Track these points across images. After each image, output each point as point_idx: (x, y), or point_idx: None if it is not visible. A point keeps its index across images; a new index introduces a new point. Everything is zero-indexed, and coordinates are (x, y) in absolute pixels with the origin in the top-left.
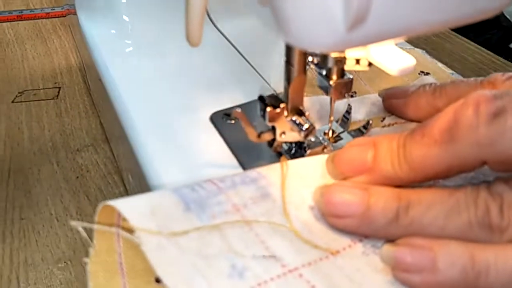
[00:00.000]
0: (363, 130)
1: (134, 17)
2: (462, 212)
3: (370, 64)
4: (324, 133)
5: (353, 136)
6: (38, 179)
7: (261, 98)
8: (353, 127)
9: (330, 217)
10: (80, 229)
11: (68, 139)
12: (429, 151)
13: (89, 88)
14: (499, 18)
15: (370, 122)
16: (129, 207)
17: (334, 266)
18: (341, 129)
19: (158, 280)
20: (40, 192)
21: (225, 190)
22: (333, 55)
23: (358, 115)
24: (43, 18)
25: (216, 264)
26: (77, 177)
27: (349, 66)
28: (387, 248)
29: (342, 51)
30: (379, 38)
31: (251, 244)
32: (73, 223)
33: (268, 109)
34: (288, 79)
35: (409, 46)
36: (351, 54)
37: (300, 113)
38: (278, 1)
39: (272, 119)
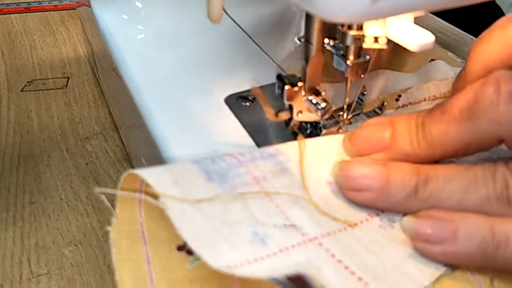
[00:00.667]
0: (378, 111)
1: (147, 3)
2: (480, 187)
3: (388, 42)
4: (339, 115)
5: (369, 117)
6: (48, 165)
7: (279, 77)
8: (368, 108)
9: (349, 190)
10: (103, 197)
11: (77, 127)
12: (449, 128)
13: (98, 79)
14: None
15: (385, 103)
16: (153, 175)
17: (352, 237)
18: (356, 111)
19: (180, 248)
20: (50, 178)
21: (245, 163)
22: (352, 33)
23: (372, 95)
24: (51, 11)
25: (239, 230)
26: (87, 163)
27: (368, 44)
28: (408, 219)
29: (361, 29)
30: (401, 10)
31: (272, 214)
32: (97, 189)
33: (287, 87)
34: (306, 58)
35: None
36: (369, 32)
37: (317, 93)
38: None
39: (289, 98)
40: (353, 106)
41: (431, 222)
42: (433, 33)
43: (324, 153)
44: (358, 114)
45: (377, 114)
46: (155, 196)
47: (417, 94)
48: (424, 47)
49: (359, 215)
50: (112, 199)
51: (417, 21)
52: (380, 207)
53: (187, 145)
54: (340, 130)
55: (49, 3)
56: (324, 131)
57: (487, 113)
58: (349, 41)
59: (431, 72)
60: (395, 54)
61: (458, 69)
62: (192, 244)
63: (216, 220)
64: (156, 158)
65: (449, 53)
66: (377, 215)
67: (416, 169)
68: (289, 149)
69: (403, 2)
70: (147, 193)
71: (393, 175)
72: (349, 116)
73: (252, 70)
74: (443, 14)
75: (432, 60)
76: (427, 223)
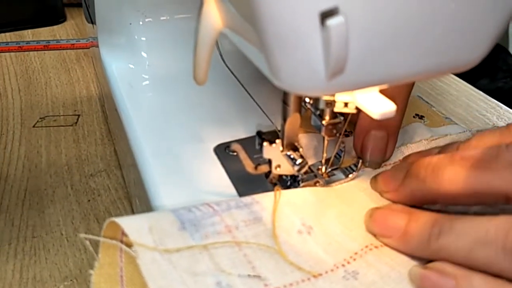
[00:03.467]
0: (353, 168)
1: (152, 54)
2: (488, 244)
3: (357, 107)
4: (318, 168)
5: (345, 173)
6: (52, 200)
7: (259, 133)
8: (346, 164)
9: (376, 234)
10: (87, 242)
11: (83, 164)
12: (462, 171)
13: (106, 117)
14: (511, 67)
15: (360, 161)
16: (130, 223)
17: (315, 287)
18: (334, 166)
19: None
20: (53, 213)
21: (220, 213)
22: (324, 98)
23: (353, 152)
24: (68, 49)
25: (203, 281)
26: (89, 200)
27: (338, 108)
28: (416, 269)
29: (332, 95)
30: (357, 86)
31: (238, 264)
32: (82, 235)
33: (265, 143)
34: (284, 117)
35: None
36: (340, 98)
37: (295, 148)
38: (269, 51)
39: (268, 153)
40: (330, 161)
41: (435, 275)
42: (432, 81)
43: (299, 203)
44: (336, 169)
45: (353, 170)
46: (132, 245)
47: (393, 157)
48: (386, 116)
49: (326, 264)
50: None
51: None
52: (401, 251)
53: (174, 192)
54: (317, 184)
55: (67, 41)
56: (302, 184)
57: (503, 170)
58: (321, 105)
59: (409, 133)
60: None
61: (436, 129)
62: None
63: (182, 269)
64: (145, 200)
65: (433, 108)
66: (343, 265)
67: (434, 220)
68: (265, 199)
69: (358, 80)
70: (125, 241)
71: (411, 226)
72: (327, 171)
73: (244, 120)
74: None
75: (416, 115)
76: (431, 275)
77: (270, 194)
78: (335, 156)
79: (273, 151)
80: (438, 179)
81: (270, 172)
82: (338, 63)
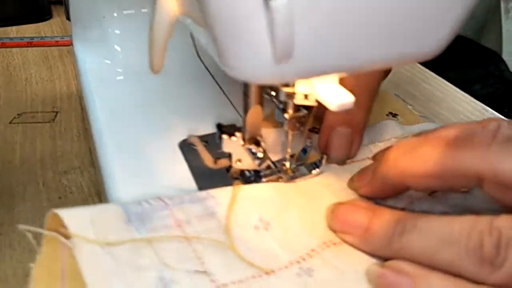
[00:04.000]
0: (318, 164)
1: (126, 48)
2: (453, 244)
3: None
4: (283, 164)
5: (309, 169)
6: (22, 197)
7: (218, 126)
8: (312, 159)
9: (337, 232)
10: (29, 235)
11: (58, 161)
12: (436, 149)
13: (84, 114)
14: (504, 73)
15: (324, 157)
16: (71, 215)
17: (265, 284)
18: (300, 161)
19: None
20: (23, 210)
21: (171, 207)
22: (285, 90)
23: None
24: (51, 46)
25: (145, 275)
26: (60, 197)
27: (299, 100)
28: (373, 267)
29: (292, 86)
30: (308, 74)
31: (185, 259)
32: (21, 226)
33: (224, 136)
34: (245, 110)
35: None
36: (300, 90)
37: (257, 142)
38: (216, 36)
39: (227, 146)
40: (295, 157)
41: (393, 274)
42: (417, 82)
43: (259, 198)
44: (301, 165)
45: (317, 166)
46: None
47: (360, 154)
48: (343, 107)
49: (280, 261)
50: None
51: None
52: (363, 250)
53: (132, 187)
54: (280, 180)
55: (51, 38)
56: (264, 180)
57: (477, 148)
58: (282, 97)
59: (380, 131)
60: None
61: (408, 127)
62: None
63: (124, 263)
64: (105, 196)
65: (409, 106)
66: (298, 262)
67: (396, 218)
68: (221, 194)
69: (308, 67)
70: (65, 233)
71: (373, 223)
72: (292, 167)
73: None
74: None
75: (390, 113)
76: (389, 274)
77: (228, 189)
78: (302, 152)
79: (233, 145)
80: (411, 158)
81: (231, 166)
82: (284, 46)
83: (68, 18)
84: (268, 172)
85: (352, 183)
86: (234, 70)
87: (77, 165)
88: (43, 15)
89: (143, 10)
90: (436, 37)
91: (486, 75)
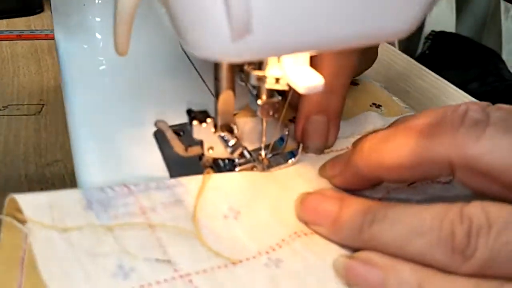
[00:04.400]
0: (294, 153)
1: (107, 35)
2: (424, 233)
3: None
4: (259, 153)
5: (285, 159)
6: (3, 189)
7: (188, 112)
8: (288, 149)
9: (306, 223)
10: None
11: (41, 154)
12: (406, 139)
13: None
14: (502, 72)
15: (301, 146)
16: (29, 200)
17: (231, 275)
18: (277, 151)
19: None
20: (2, 202)
21: (136, 193)
22: (255, 73)
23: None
24: (41, 39)
25: (103, 262)
26: (41, 189)
27: (270, 84)
28: (341, 259)
29: (263, 69)
30: (270, 51)
31: (148, 247)
32: None
33: (195, 122)
34: (216, 95)
35: (367, 79)
36: (271, 73)
37: (230, 129)
38: (174, 11)
39: (198, 133)
40: (271, 146)
41: (362, 266)
42: (412, 79)
43: (230, 187)
44: (277, 154)
45: (293, 155)
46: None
47: (340, 144)
48: (312, 90)
49: (248, 251)
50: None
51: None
52: (334, 240)
53: (103, 174)
54: (254, 169)
55: (41, 32)
56: (238, 169)
57: (446, 134)
58: (252, 81)
59: (362, 122)
60: None
61: (392, 119)
62: (45, 275)
63: (81, 250)
64: (77, 184)
65: (394, 98)
66: (267, 252)
67: (367, 207)
68: (191, 182)
69: (268, 44)
70: (20, 218)
71: (343, 212)
72: (268, 156)
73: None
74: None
75: (374, 104)
76: (357, 266)
77: (198, 177)
78: (278, 141)
79: (204, 132)
80: (382, 150)
81: (203, 155)
82: (241, 21)
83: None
84: (242, 161)
85: (324, 171)
86: (193, 47)
87: (60, 158)
88: (35, 9)
89: None
90: (406, 15)
91: (485, 74)
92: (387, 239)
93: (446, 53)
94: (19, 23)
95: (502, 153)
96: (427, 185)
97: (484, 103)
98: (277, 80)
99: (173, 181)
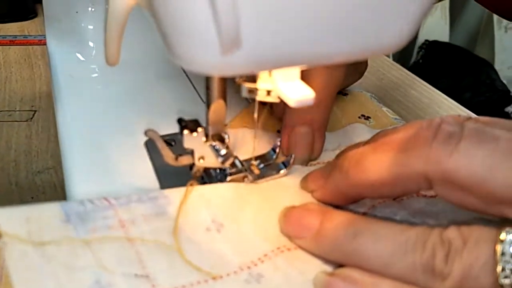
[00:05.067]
0: (286, 164)
1: (100, 43)
2: (409, 253)
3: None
4: (251, 164)
5: (276, 169)
6: None
7: (179, 121)
8: (279, 160)
9: (289, 236)
10: None
11: (32, 161)
12: (382, 156)
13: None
14: (495, 82)
15: (293, 156)
16: (5, 214)
17: None
18: (268, 162)
19: None
20: None
21: (116, 207)
22: (246, 85)
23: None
24: (34, 45)
25: (80, 277)
26: (32, 197)
27: (261, 96)
28: (321, 275)
29: (254, 82)
30: (258, 66)
31: (126, 261)
32: None
33: (185, 131)
34: (207, 104)
35: (357, 89)
36: (262, 86)
37: (221, 139)
38: (162, 24)
39: (188, 143)
40: (264, 157)
41: (343, 283)
42: (404, 88)
43: (214, 199)
44: (268, 165)
45: (285, 166)
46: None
47: (326, 156)
48: (303, 103)
49: (229, 266)
50: None
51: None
52: (316, 254)
53: (92, 184)
54: (246, 179)
55: (34, 37)
56: (229, 179)
57: (420, 149)
58: (244, 93)
59: (349, 134)
60: None
61: (376, 131)
62: None
63: (58, 264)
64: (67, 194)
65: (384, 108)
66: (249, 268)
67: (349, 221)
68: (174, 194)
69: (258, 58)
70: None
71: (325, 226)
72: (260, 166)
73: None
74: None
75: (362, 115)
76: (338, 282)
77: (182, 189)
78: (270, 151)
79: (195, 141)
80: (360, 169)
81: (194, 164)
82: (230, 35)
83: None
84: (233, 170)
85: (305, 184)
86: (182, 61)
87: (51, 165)
88: (28, 14)
89: None
90: (400, 28)
91: (478, 84)
92: (369, 254)
93: (440, 63)
94: (12, 28)
95: (477, 167)
96: (413, 198)
97: (460, 116)
98: (269, 92)
99: (156, 193)
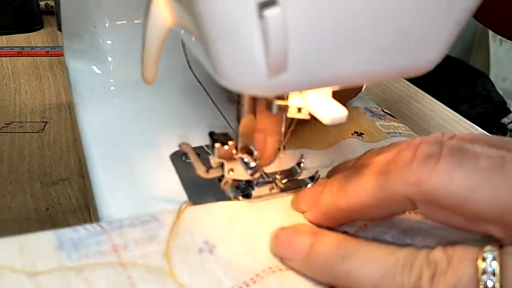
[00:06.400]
0: (308, 181)
1: (118, 58)
2: (397, 275)
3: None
4: (275, 178)
5: (303, 184)
6: (9, 207)
7: (211, 134)
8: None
9: (280, 257)
10: None
11: (46, 172)
12: (365, 180)
13: (74, 125)
14: (491, 94)
15: (319, 173)
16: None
17: None
18: (293, 177)
19: None
20: (9, 220)
21: (109, 231)
22: (277, 102)
23: (310, 164)
24: (42, 56)
25: None
26: (47, 208)
27: (291, 113)
28: None
29: (285, 99)
30: (302, 86)
31: (118, 287)
32: None
33: (217, 145)
34: (238, 119)
35: (351, 104)
36: (293, 103)
37: (250, 152)
38: (210, 46)
39: (220, 155)
40: (289, 171)
41: None
42: (407, 101)
43: (207, 219)
44: (293, 180)
45: (311, 181)
46: None
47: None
48: (336, 121)
49: (222, 286)
50: None
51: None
52: (308, 276)
53: (121, 199)
54: (272, 190)
55: (41, 48)
56: (256, 189)
57: (400, 171)
58: (274, 110)
59: (342, 150)
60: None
61: (374, 144)
62: None
63: None
64: (94, 208)
65: (378, 124)
66: None
67: (339, 243)
68: (166, 216)
69: (302, 80)
70: None
71: (315, 247)
72: (284, 181)
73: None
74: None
75: (355, 132)
76: None
77: (174, 211)
78: (296, 166)
79: (225, 154)
80: (346, 193)
81: (223, 176)
82: (278, 58)
83: (59, 28)
84: (260, 181)
85: (296, 204)
86: (227, 81)
87: (65, 177)
88: (34, 25)
89: (135, 21)
90: (430, 52)
91: (474, 95)
92: (359, 277)
93: (436, 74)
94: (18, 40)
95: (457, 187)
96: (403, 215)
97: (440, 134)
98: (299, 109)
99: (148, 216)
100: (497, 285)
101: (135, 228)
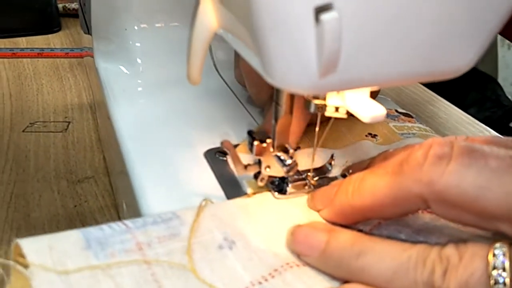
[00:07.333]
0: (339, 177)
1: (147, 60)
2: (410, 270)
3: (348, 112)
4: (307, 175)
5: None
6: (38, 204)
7: (249, 132)
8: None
9: (296, 253)
10: None
11: (71, 170)
12: (380, 180)
13: (97, 125)
14: (500, 98)
15: (350, 171)
16: (30, 244)
17: None
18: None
19: None
20: (39, 217)
21: (133, 230)
22: (315, 102)
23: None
24: (61, 57)
25: None
26: (75, 206)
27: (329, 112)
28: None
29: (323, 98)
30: (349, 85)
31: (142, 283)
32: None
33: (256, 142)
34: (276, 118)
35: None
36: (331, 102)
37: (286, 150)
38: (262, 47)
39: (258, 153)
40: (321, 169)
41: None
42: (422, 104)
43: (226, 217)
44: (324, 177)
45: (343, 178)
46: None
47: (333, 173)
48: (376, 119)
49: (241, 282)
50: None
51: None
52: (323, 270)
53: (162, 197)
54: (306, 187)
55: (61, 50)
56: (290, 185)
57: (413, 171)
58: (312, 109)
59: (355, 152)
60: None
61: (384, 147)
62: None
63: None
64: (134, 206)
65: (391, 125)
66: (260, 283)
67: (354, 240)
68: (187, 213)
69: (351, 79)
70: (23, 262)
71: (330, 244)
72: (315, 178)
73: (234, 126)
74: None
75: (369, 134)
76: None
77: (194, 209)
78: (327, 165)
79: (263, 151)
80: (361, 192)
81: (259, 172)
82: (331, 60)
83: (85, 30)
84: (295, 177)
85: (312, 202)
86: (277, 80)
87: (90, 175)
88: (53, 27)
89: (163, 24)
90: (462, 59)
91: (483, 99)
92: (373, 273)
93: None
94: (38, 41)
95: (468, 186)
96: (417, 214)
97: (452, 137)
98: (337, 109)
99: (169, 214)
100: (507, 280)
101: (158, 225)
